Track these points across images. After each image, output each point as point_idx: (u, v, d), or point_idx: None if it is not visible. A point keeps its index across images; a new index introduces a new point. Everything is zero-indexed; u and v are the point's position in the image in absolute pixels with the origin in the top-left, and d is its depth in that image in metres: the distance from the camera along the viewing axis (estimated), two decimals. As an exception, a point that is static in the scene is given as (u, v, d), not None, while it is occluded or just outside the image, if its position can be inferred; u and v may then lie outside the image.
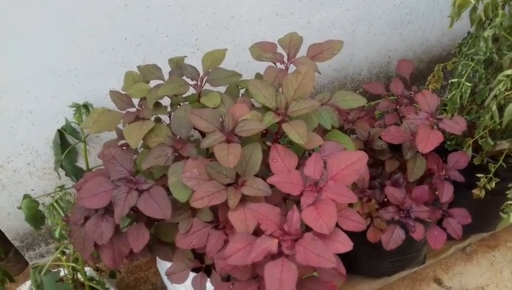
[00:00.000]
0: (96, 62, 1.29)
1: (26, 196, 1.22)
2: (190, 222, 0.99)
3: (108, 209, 1.00)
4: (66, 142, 1.37)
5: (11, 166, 1.45)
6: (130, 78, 1.12)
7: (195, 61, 1.10)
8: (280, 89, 1.00)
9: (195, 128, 1.00)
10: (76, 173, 1.29)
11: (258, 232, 0.87)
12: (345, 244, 0.83)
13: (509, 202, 1.08)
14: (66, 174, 1.31)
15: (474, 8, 1.04)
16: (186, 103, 1.02)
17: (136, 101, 1.09)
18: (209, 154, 1.01)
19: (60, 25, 1.18)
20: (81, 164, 1.41)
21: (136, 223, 1.04)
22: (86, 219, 1.03)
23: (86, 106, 1.34)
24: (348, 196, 0.86)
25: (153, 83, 1.09)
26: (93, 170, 1.35)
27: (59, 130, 1.39)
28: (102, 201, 0.98)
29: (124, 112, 1.07)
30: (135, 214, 1.05)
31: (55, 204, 1.09)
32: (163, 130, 1.01)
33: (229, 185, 0.94)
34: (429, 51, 1.85)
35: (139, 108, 1.08)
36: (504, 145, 1.17)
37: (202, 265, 1.06)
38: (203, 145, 0.91)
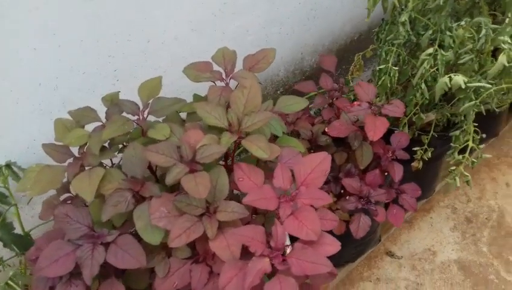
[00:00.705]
0: (12, 115, 1.18)
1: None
2: (167, 263, 0.95)
3: (73, 273, 0.93)
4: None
5: None
6: (60, 126, 1.04)
7: (122, 95, 1.05)
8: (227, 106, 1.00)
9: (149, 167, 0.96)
10: (18, 242, 1.17)
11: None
12: (334, 245, 0.85)
13: (452, 168, 1.20)
14: (5, 245, 1.18)
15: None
16: (134, 141, 0.97)
17: (74, 149, 1.01)
18: (170, 188, 0.98)
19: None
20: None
21: (105, 280, 0.97)
22: (51, 289, 0.94)
23: (9, 166, 1.22)
24: (323, 197, 0.89)
25: (88, 127, 1.02)
26: (32, 232, 1.23)
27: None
28: (66, 266, 0.91)
29: (65, 163, 0.99)
30: (101, 270, 0.98)
31: (10, 282, 0.98)
32: (116, 175, 0.96)
33: (201, 215, 0.91)
34: (336, 41, 1.96)
35: (80, 156, 1.01)
36: (431, 116, 1.29)
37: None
38: (168, 182, 0.88)
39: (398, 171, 1.17)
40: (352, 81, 1.45)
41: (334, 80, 1.36)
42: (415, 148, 1.33)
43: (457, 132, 1.16)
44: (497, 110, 1.16)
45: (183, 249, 0.95)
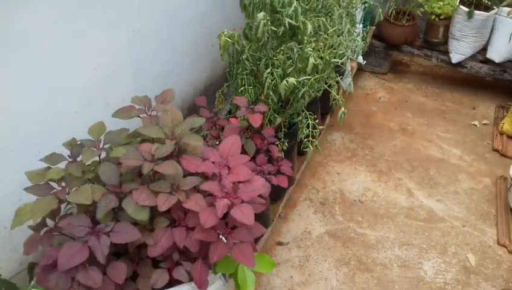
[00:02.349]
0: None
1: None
2: (154, 234, 1.36)
3: (84, 264, 1.27)
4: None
5: None
6: (32, 174, 1.39)
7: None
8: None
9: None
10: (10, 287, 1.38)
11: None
12: (260, 181, 1.41)
13: (305, 140, 1.87)
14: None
15: (231, 45, 1.80)
16: (104, 162, 1.39)
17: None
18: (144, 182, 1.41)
19: None
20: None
21: (108, 265, 1.32)
22: (73, 279, 1.26)
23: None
24: (244, 158, 1.45)
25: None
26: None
27: None
28: (82, 256, 1.26)
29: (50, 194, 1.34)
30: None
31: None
32: (98, 187, 1.35)
33: (170, 192, 1.37)
34: (197, 88, 2.53)
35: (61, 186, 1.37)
36: (279, 120, 1.98)
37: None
38: (145, 172, 1.33)
39: (274, 152, 1.79)
40: (219, 112, 2.07)
41: (210, 111, 1.95)
42: (276, 143, 1.99)
43: (301, 124, 1.86)
44: (318, 94, 1.90)
45: (162, 220, 1.38)
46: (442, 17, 3.17)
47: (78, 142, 1.42)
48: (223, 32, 1.70)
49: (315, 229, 2.51)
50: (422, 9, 3.17)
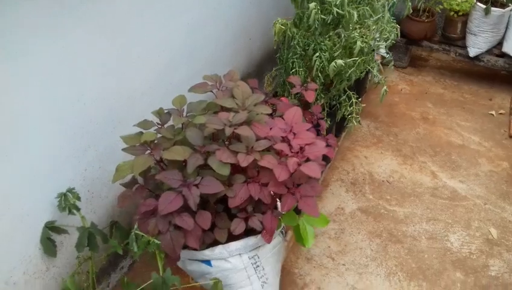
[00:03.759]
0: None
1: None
2: (233, 189, 1.63)
3: (178, 211, 1.54)
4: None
5: (14, 280, 1.64)
6: (127, 137, 1.66)
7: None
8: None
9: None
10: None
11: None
12: (322, 144, 1.68)
13: (349, 116, 2.15)
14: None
15: (284, 32, 2.08)
16: (189, 127, 1.67)
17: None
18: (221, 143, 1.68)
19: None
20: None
21: (196, 213, 1.59)
22: (169, 224, 1.53)
23: (70, 192, 1.72)
24: (306, 125, 1.73)
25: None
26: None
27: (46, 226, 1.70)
28: (178, 203, 1.53)
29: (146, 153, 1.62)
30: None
31: (136, 233, 1.48)
32: (186, 149, 1.63)
33: (246, 153, 1.65)
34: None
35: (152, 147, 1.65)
36: (323, 100, 2.25)
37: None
38: (227, 135, 1.60)
39: (323, 126, 2.07)
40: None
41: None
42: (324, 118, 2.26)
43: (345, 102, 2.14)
44: (361, 75, 2.18)
45: (239, 177, 1.65)
46: (460, 13, 3.45)
47: (166, 111, 1.69)
48: (278, 21, 1.98)
49: (348, 206, 2.78)
50: (441, 7, 3.45)
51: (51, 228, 1.69)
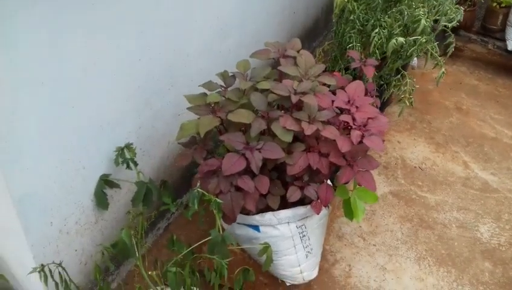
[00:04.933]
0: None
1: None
2: (293, 157, 1.66)
3: (239, 173, 1.56)
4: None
5: (67, 228, 1.68)
6: (190, 97, 1.68)
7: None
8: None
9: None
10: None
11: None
12: (383, 118, 1.70)
13: (402, 96, 2.17)
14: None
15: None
16: (253, 92, 1.68)
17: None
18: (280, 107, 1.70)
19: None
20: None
21: (254, 177, 1.62)
22: (231, 185, 1.56)
23: (127, 147, 1.74)
24: (368, 99, 1.74)
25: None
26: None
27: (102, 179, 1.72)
28: (241, 164, 1.56)
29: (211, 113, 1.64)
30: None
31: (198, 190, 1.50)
32: (251, 113, 1.64)
33: (308, 122, 1.67)
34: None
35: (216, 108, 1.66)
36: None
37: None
38: (293, 101, 1.62)
39: (377, 103, 2.08)
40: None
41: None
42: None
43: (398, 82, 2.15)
44: (420, 54, 2.19)
45: (300, 145, 1.67)
46: (503, 5, 3.44)
47: (231, 74, 1.71)
48: (340, -8, 1.98)
49: (379, 189, 2.81)
50: (486, -4, 3.44)
51: (106, 181, 1.71)
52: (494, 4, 3.50)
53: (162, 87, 1.84)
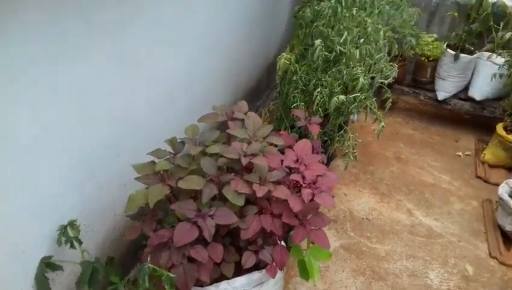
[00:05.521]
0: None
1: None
2: (246, 220, 1.64)
3: (191, 243, 1.51)
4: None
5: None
6: (139, 166, 1.64)
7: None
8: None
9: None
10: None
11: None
12: (333, 176, 1.73)
13: (346, 151, 2.22)
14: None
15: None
16: (203, 156, 1.67)
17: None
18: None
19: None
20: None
21: (207, 245, 1.58)
22: (183, 256, 1.50)
23: (70, 225, 1.64)
24: (316, 156, 1.77)
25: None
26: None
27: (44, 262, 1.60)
28: (193, 234, 1.51)
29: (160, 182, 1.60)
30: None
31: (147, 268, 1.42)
32: (199, 179, 1.62)
33: (259, 183, 1.66)
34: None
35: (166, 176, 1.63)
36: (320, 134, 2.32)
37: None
38: (243, 164, 1.62)
39: (323, 159, 2.12)
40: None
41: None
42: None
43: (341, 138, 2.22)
44: (360, 110, 2.27)
45: (252, 208, 1.66)
46: (431, 58, 3.70)
47: (179, 140, 1.69)
48: (282, 56, 2.05)
49: (331, 243, 2.81)
50: (413, 52, 3.68)
51: (47, 264, 1.60)
52: (423, 58, 3.75)
53: (107, 157, 1.78)
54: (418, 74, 3.87)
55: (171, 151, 1.70)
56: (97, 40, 1.56)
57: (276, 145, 1.85)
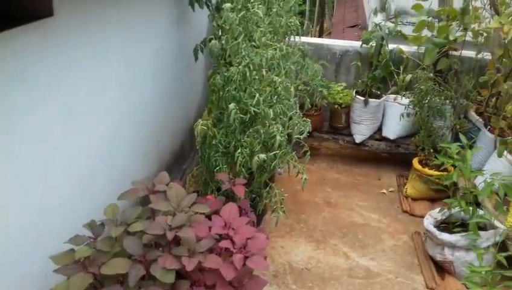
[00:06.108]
0: None
1: None
2: (179, 296, 1.56)
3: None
4: None
5: None
6: (59, 256, 1.52)
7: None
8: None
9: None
10: None
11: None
12: (263, 237, 1.71)
13: (275, 207, 2.21)
14: None
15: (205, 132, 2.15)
16: (127, 236, 1.59)
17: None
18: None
19: None
20: None
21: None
22: None
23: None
24: (244, 219, 1.75)
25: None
26: None
27: None
28: None
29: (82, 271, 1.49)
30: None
31: None
32: (124, 262, 1.53)
33: (189, 256, 1.60)
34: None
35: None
36: (247, 194, 2.31)
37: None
38: (169, 238, 1.55)
39: (252, 219, 2.09)
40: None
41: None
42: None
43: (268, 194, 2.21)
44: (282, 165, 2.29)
45: (184, 283, 1.58)
46: (343, 106, 3.87)
47: (99, 223, 1.60)
48: (199, 122, 2.05)
49: (273, 299, 2.76)
50: (326, 101, 3.84)
51: None
52: (336, 106, 3.91)
53: (21, 251, 1.64)
54: (334, 121, 4.02)
55: (91, 235, 1.60)
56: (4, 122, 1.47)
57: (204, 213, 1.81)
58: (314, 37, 12.12)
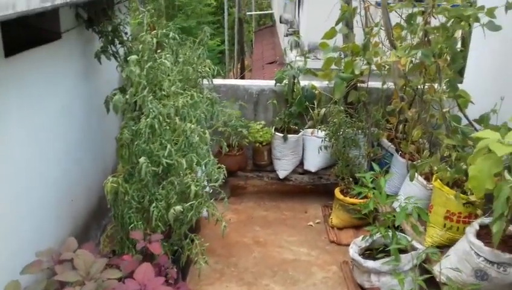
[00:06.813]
0: None
1: None
2: None
3: None
4: None
5: None
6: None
7: None
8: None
9: None
10: None
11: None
12: (180, 295, 1.63)
13: (196, 258, 2.12)
14: None
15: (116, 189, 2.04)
16: None
17: None
18: None
19: None
20: None
21: None
22: None
23: None
24: (159, 280, 1.66)
25: None
26: None
27: None
28: None
29: None
30: None
31: None
32: None
33: None
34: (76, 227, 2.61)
35: None
36: (165, 248, 2.21)
37: None
38: None
39: (173, 275, 2.00)
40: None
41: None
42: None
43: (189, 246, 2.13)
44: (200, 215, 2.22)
45: None
46: (264, 143, 3.90)
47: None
48: (108, 180, 1.95)
49: None
50: (247, 140, 3.85)
51: None
52: (257, 144, 3.93)
53: None
54: (257, 159, 4.04)
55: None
56: None
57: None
58: (236, 74, 12.36)
